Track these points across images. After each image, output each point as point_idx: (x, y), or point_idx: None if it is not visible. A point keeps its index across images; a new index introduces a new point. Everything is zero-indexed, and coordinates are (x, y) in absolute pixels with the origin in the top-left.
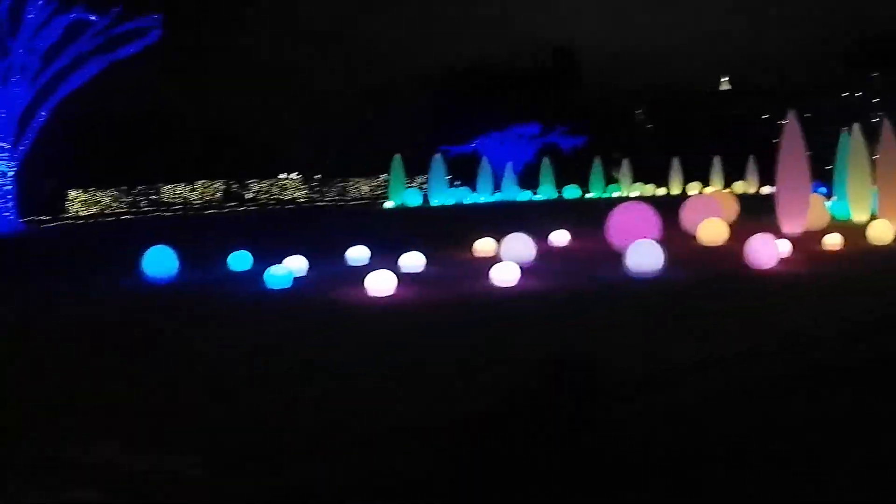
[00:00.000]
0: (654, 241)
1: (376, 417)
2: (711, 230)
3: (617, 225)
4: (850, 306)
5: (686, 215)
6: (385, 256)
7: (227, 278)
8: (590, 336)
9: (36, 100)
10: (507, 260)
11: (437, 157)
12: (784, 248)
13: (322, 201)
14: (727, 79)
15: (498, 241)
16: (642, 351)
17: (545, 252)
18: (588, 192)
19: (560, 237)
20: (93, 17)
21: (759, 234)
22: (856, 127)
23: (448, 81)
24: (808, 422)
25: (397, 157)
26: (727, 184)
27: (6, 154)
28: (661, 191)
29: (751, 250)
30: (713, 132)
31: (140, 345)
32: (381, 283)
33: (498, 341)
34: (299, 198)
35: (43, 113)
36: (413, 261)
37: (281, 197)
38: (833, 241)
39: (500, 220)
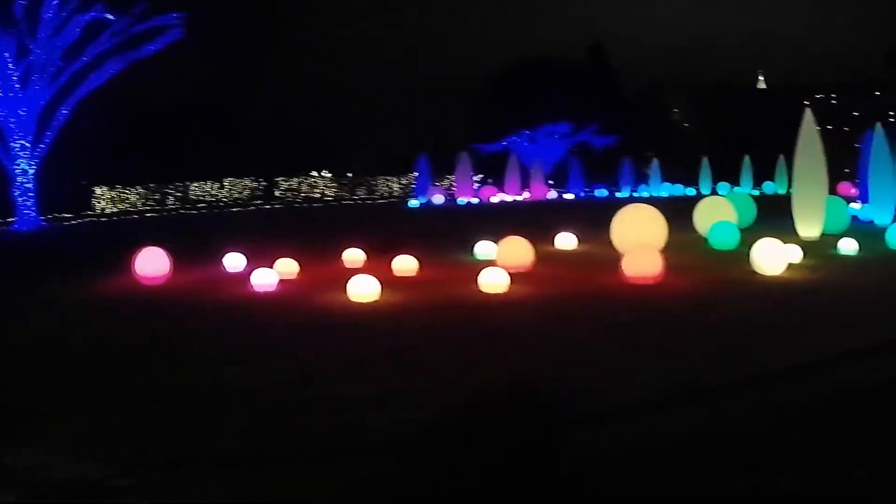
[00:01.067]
0: (652, 247)
1: (311, 432)
2: (721, 234)
3: (620, 228)
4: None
5: (699, 217)
6: (380, 258)
7: (219, 279)
8: (557, 355)
9: (57, 98)
10: (503, 264)
11: (464, 155)
12: (794, 253)
13: (350, 199)
14: (762, 77)
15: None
16: (614, 375)
17: (548, 256)
18: (618, 191)
19: (566, 240)
20: (110, 16)
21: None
22: (878, 127)
23: (482, 80)
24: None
25: (424, 156)
26: (757, 183)
27: (27, 152)
28: (691, 190)
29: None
30: (747, 131)
31: (88, 349)
32: (363, 288)
33: (454, 357)
34: (328, 196)
35: (64, 111)
36: (406, 264)
37: (310, 195)
38: (849, 246)
39: (519, 220)
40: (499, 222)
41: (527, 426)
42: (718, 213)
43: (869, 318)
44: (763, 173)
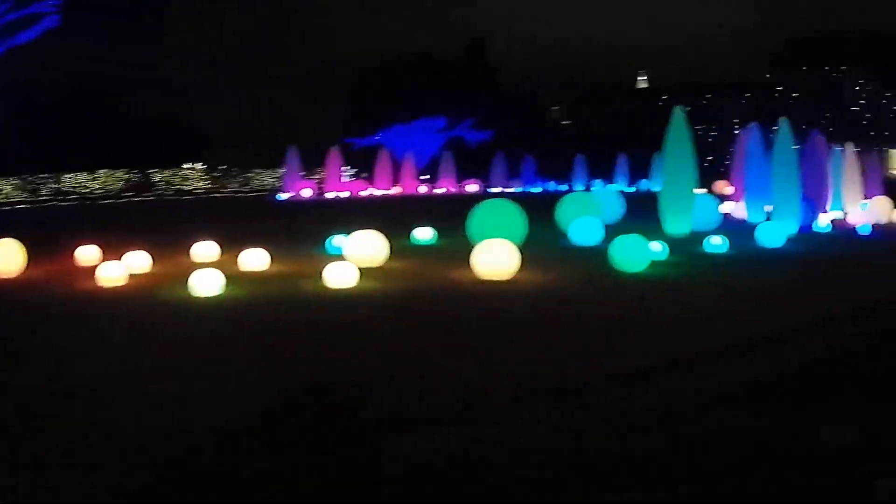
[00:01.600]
0: (505, 241)
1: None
2: (582, 230)
3: (476, 223)
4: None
5: (562, 213)
6: (233, 253)
7: (70, 273)
8: (386, 354)
9: None
10: (353, 258)
11: (334, 149)
12: (656, 249)
13: (221, 192)
14: (645, 77)
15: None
16: (440, 376)
17: (404, 250)
18: (490, 186)
19: (424, 234)
20: None
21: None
22: (753, 127)
23: (359, 74)
24: None
25: (293, 149)
26: (633, 181)
27: None
28: (564, 187)
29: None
30: (624, 129)
31: None
32: (205, 284)
33: (273, 356)
34: (199, 189)
35: None
36: (257, 259)
37: (181, 187)
38: (715, 241)
39: (384, 214)
40: (363, 216)
41: (329, 429)
42: (582, 209)
43: (728, 316)
44: (639, 171)
